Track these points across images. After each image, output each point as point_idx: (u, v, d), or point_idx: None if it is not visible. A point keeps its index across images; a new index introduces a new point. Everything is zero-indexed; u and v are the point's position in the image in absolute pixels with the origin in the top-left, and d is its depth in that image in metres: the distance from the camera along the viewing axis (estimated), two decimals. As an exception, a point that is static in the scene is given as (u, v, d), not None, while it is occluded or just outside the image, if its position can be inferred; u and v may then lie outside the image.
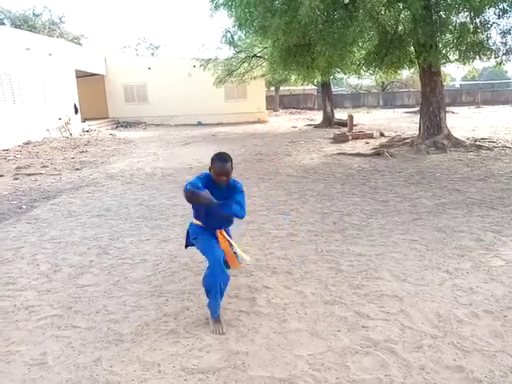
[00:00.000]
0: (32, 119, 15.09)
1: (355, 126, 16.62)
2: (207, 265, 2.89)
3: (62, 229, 5.15)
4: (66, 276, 3.73)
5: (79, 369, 2.43)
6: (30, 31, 21.25)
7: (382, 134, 14.52)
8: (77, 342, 2.69)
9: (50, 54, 16.95)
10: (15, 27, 26.87)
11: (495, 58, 10.30)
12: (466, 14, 10.08)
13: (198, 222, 3.04)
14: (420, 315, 2.88)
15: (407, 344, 2.56)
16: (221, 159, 2.87)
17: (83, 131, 18.66)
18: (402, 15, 10.92)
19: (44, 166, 9.93)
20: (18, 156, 11.59)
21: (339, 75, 21.43)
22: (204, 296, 3.24)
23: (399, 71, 14.71)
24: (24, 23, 30.59)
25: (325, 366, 2.38)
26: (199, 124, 23.63)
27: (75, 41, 31.79)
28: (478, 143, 11.11)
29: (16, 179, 8.47)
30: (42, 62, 16.29)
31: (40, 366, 2.46)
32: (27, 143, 14.07)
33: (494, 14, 9.94)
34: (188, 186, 2.63)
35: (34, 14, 33.09)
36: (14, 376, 2.38)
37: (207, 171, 2.95)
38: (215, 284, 2.77)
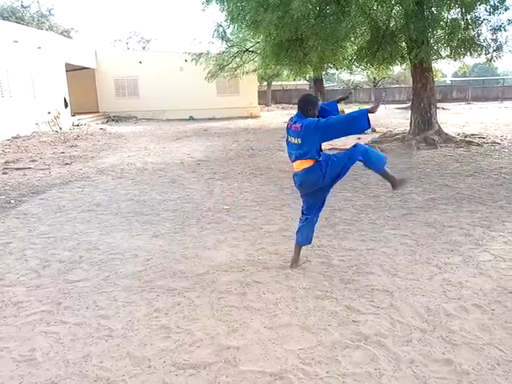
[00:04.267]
0: (21, 113, 14.87)
1: (347, 121, 16.62)
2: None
3: (52, 224, 5.10)
4: (55, 271, 3.69)
5: (69, 365, 2.41)
6: (19, 23, 20.90)
7: (373, 130, 14.56)
8: (66, 338, 2.67)
9: (39, 47, 16.69)
10: (3, 19, 26.34)
11: (486, 54, 10.37)
12: (458, 10, 10.14)
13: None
14: (410, 309, 2.91)
15: (397, 338, 2.58)
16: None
17: (73, 125, 18.45)
18: (394, 11, 10.93)
19: (33, 161, 9.81)
20: (7, 150, 11.43)
21: (331, 70, 21.44)
22: (194, 292, 3.24)
23: (391, 67, 14.76)
24: (12, 15, 30.04)
25: (315, 360, 2.39)
26: (191, 119, 23.50)
27: (65, 34, 31.32)
28: (468, 139, 11.21)
29: (4, 174, 8.35)
30: (30, 54, 16.04)
31: (29, 363, 2.43)
32: (16, 137, 13.87)
33: (485, 10, 9.98)
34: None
35: (22, 5, 32.50)
36: (1, 373, 2.35)
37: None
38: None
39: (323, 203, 3.61)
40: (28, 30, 17.70)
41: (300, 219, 3.67)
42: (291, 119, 3.44)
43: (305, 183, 3.41)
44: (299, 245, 3.67)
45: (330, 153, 3.47)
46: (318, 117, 3.37)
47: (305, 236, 3.63)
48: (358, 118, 3.16)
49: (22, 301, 3.16)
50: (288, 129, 3.43)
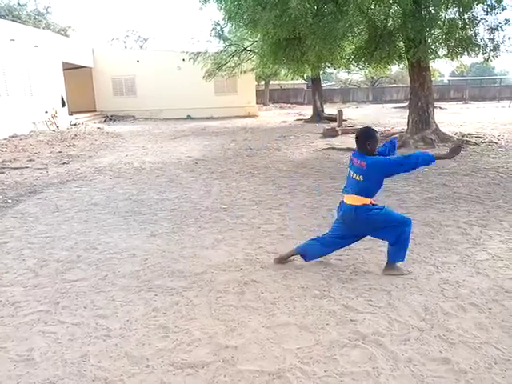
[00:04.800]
0: (18, 112, 14.80)
1: (344, 120, 16.69)
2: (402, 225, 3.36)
3: (49, 223, 5.08)
4: (53, 271, 3.68)
5: (66, 364, 2.40)
6: (15, 22, 20.80)
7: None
8: (64, 338, 2.66)
9: (36, 46, 16.61)
10: (-1, 17, 26.26)
11: (483, 53, 10.41)
12: (455, 9, 10.17)
13: (373, 201, 3.40)
14: (407, 308, 2.92)
15: (395, 337, 2.59)
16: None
17: (70, 125, 18.38)
18: (391, 10, 10.95)
19: (30, 160, 9.78)
20: (4, 149, 11.38)
21: (329, 70, 21.45)
22: (192, 292, 3.24)
23: (388, 66, 14.78)
24: (8, 13, 29.86)
25: (313, 360, 2.39)
26: (189, 118, 23.46)
27: (62, 32, 31.19)
28: (465, 138, 11.24)
29: (1, 173, 8.32)
30: (27, 53, 15.96)
31: (26, 363, 2.43)
32: (13, 136, 13.81)
33: (483, 10, 10.03)
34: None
35: (18, 4, 32.33)
36: (-1, 372, 2.35)
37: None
38: (409, 238, 3.44)
39: (345, 244, 3.64)
40: (25, 28, 17.61)
41: (323, 237, 3.66)
42: (354, 155, 3.44)
43: (346, 216, 3.45)
44: (297, 253, 3.69)
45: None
46: (376, 152, 3.39)
47: (309, 253, 3.64)
48: (425, 163, 3.29)
49: (20, 300, 3.15)
50: (352, 165, 3.44)
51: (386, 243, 4.12)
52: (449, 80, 47.19)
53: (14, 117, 14.51)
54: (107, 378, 2.29)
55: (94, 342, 2.62)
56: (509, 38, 10.13)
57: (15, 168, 8.81)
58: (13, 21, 21.17)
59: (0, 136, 13.32)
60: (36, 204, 6.01)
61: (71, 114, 19.70)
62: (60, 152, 11.10)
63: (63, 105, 18.84)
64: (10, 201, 6.21)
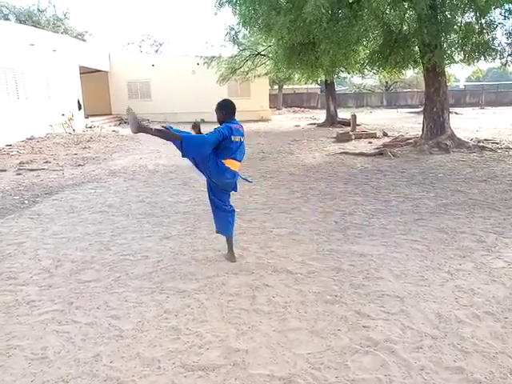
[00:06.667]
0: (35, 115, 15.10)
1: (358, 125, 16.58)
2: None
3: (64, 224, 5.16)
4: (67, 271, 3.74)
5: (79, 364, 2.43)
6: (35, 27, 21.25)
7: (385, 134, 14.49)
8: (77, 338, 2.70)
9: (54, 50, 16.96)
10: (20, 23, 26.87)
11: (500, 58, 10.26)
12: (472, 14, 10.05)
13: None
14: (421, 315, 2.88)
15: (407, 344, 2.56)
16: None
17: (86, 127, 18.68)
18: (407, 15, 10.87)
19: (47, 162, 9.95)
20: (21, 151, 11.62)
21: (343, 74, 21.37)
22: (204, 294, 3.25)
23: (403, 71, 14.66)
24: (28, 19, 30.59)
25: (324, 365, 2.38)
26: (202, 121, 23.47)
27: (79, 37, 31.78)
28: (481, 144, 11.07)
29: (19, 174, 8.49)
30: (46, 57, 16.31)
31: (40, 361, 2.47)
32: (30, 139, 14.09)
33: (500, 14, 9.91)
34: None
35: (38, 9, 33.08)
36: (14, 370, 2.39)
37: None
38: None
39: None
40: (44, 33, 18.01)
41: (226, 209, 4.07)
42: (233, 123, 3.81)
43: (233, 184, 4.00)
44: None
45: None
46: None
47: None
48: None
49: (35, 300, 3.21)
50: (234, 131, 3.69)
51: (401, 249, 4.10)
52: (464, 85, 46.60)
53: (32, 119, 14.81)
54: (119, 378, 2.31)
55: (107, 342, 2.64)
56: (527, 43, 9.98)
57: (32, 169, 8.98)
58: (33, 26, 21.64)
59: (18, 138, 13.60)
60: (52, 205, 6.11)
61: (87, 117, 20.03)
62: (76, 154, 11.28)
63: (79, 108, 19.16)
64: (26, 202, 6.33)
